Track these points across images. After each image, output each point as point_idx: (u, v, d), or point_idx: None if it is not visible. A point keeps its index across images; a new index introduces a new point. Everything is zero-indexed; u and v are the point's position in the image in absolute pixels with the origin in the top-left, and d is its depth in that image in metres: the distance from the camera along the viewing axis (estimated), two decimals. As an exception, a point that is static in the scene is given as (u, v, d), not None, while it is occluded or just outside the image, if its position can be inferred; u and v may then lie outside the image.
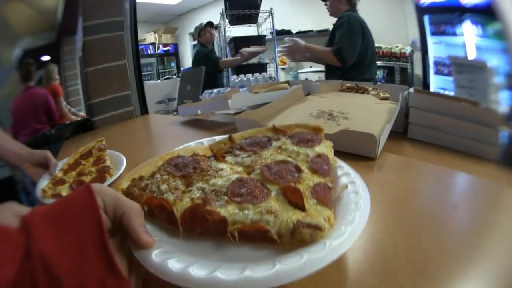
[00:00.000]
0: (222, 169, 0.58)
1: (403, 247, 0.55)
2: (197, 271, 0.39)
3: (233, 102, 1.42)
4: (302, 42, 2.58)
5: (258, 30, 5.58)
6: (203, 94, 2.40)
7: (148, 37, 8.10)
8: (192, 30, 4.02)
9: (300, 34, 5.80)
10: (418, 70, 5.50)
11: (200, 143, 0.74)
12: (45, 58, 4.96)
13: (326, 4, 2.69)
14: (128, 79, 2.37)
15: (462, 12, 4.59)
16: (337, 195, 0.54)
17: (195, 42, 3.98)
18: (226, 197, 0.50)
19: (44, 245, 0.37)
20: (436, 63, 5.14)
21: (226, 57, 4.87)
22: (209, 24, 3.92)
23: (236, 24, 5.15)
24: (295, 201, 0.48)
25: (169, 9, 7.59)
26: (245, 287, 0.36)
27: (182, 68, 7.40)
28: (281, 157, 0.60)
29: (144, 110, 2.50)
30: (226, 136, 0.70)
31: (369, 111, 1.20)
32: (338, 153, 0.69)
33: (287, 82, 2.09)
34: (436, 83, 5.13)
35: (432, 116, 1.01)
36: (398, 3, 5.72)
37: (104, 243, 0.39)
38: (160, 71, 8.44)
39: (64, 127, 2.23)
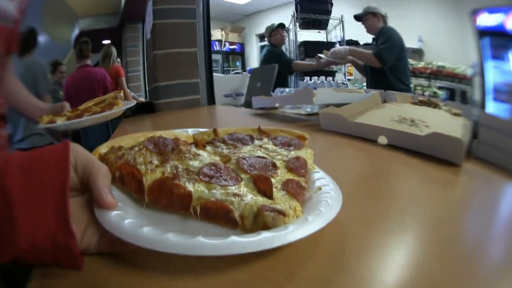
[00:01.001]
0: (199, 155, 0.58)
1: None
2: (149, 231, 0.38)
3: (318, 97, 1.34)
4: (344, 47, 2.90)
5: (327, 37, 5.29)
6: (275, 91, 2.31)
7: (215, 33, 8.05)
8: (258, 31, 3.95)
9: (366, 46, 5.49)
10: (477, 95, 5.12)
11: (185, 131, 0.73)
12: (106, 41, 4.99)
13: (363, 23, 3.04)
14: (198, 67, 2.30)
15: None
16: (309, 195, 0.53)
17: (263, 43, 3.86)
18: (196, 177, 0.50)
19: (11, 183, 0.38)
20: (495, 89, 4.81)
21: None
22: (281, 25, 3.87)
23: (305, 29, 5.01)
24: (263, 189, 0.48)
25: (237, 8, 7.60)
26: (193, 250, 0.35)
27: (248, 68, 7.25)
28: (260, 154, 0.60)
29: (212, 100, 2.43)
30: (210, 129, 0.70)
31: (447, 123, 1.17)
32: (423, 156, 0.78)
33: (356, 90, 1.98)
34: (493, 110, 4.75)
35: (502, 137, 0.92)
36: (459, 23, 5.34)
37: (63, 197, 0.39)
38: (224, 68, 8.39)
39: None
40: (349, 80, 5.57)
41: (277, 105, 1.60)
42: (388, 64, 2.73)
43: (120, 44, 6.39)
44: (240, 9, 7.67)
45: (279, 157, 0.60)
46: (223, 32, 7.70)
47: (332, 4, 4.91)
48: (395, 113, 1.20)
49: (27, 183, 0.39)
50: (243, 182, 0.50)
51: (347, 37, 5.30)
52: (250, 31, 8.21)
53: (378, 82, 2.78)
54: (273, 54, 3.69)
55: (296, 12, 4.67)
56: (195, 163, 0.53)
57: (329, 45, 4.82)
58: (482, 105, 4.78)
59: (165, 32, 2.19)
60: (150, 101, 2.35)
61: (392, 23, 3.01)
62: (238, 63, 8.88)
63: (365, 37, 5.48)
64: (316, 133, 1.09)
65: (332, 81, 3.05)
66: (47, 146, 0.45)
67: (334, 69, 5.03)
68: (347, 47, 2.90)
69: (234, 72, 4.37)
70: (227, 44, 8.12)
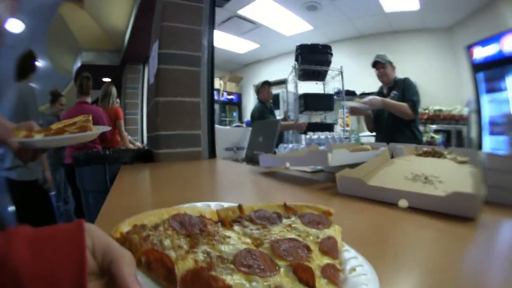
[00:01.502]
0: (229, 237, 0.53)
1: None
2: None
3: (334, 159, 1.26)
4: (379, 98, 2.84)
5: (324, 88, 5.38)
6: (279, 147, 2.26)
7: (213, 82, 8.02)
8: (256, 82, 3.91)
9: (364, 95, 5.53)
10: (473, 132, 5.32)
11: (207, 206, 0.67)
12: (106, 79, 4.90)
13: (379, 71, 3.02)
14: (200, 119, 2.24)
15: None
16: (344, 277, 0.48)
17: None
18: (232, 266, 0.45)
19: (20, 262, 0.32)
20: (491, 123, 4.95)
21: (295, 112, 4.72)
22: (267, 83, 4.04)
23: (305, 80, 5.05)
24: (305, 279, 0.44)
25: (236, 58, 7.69)
26: None
27: (246, 120, 7.21)
28: (291, 235, 0.56)
29: (213, 153, 2.36)
30: (235, 204, 0.65)
31: (458, 175, 1.13)
32: (439, 214, 0.77)
33: (362, 143, 1.99)
34: (489, 144, 4.95)
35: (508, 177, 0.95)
36: (452, 61, 5.58)
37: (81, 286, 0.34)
38: (221, 118, 8.36)
39: (122, 152, 2.12)
40: (346, 131, 5.55)
41: (287, 165, 1.52)
42: (418, 116, 2.83)
43: (120, 83, 6.35)
44: (240, 58, 7.78)
45: (311, 238, 0.56)
46: (221, 81, 7.73)
47: (332, 55, 4.92)
48: (407, 170, 1.18)
49: (38, 267, 0.34)
50: (282, 270, 0.47)
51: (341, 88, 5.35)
52: (248, 81, 8.29)
53: (399, 134, 2.82)
54: (259, 111, 3.87)
55: (297, 62, 4.64)
56: (227, 248, 0.49)
57: (328, 97, 4.84)
58: (479, 141, 4.99)
59: (169, 79, 2.14)
60: (150, 149, 2.25)
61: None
62: (235, 114, 8.94)
63: (361, 88, 5.66)
64: (333, 197, 1.02)
65: (335, 136, 2.99)
66: (59, 225, 0.39)
67: (331, 121, 5.03)
68: (379, 97, 2.84)
69: (234, 125, 4.31)
70: (225, 93, 8.13)
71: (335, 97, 5.07)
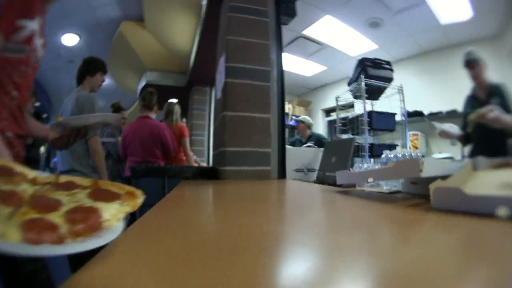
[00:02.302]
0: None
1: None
2: None
3: (426, 168, 1.08)
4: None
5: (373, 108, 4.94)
6: (354, 167, 1.94)
7: (282, 106, 7.88)
8: (324, 106, 3.72)
9: (433, 116, 5.22)
10: None
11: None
12: (173, 100, 4.83)
13: (472, 71, 2.58)
14: (271, 136, 2.05)
15: None
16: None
17: (329, 118, 3.67)
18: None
19: None
20: None
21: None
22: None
23: (356, 98, 4.67)
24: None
25: (304, 81, 7.47)
26: None
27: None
28: (60, 197, 0.55)
29: (282, 174, 2.17)
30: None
31: None
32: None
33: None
34: None
35: None
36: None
37: None
38: (290, 142, 8.07)
39: (184, 167, 1.87)
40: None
41: (370, 180, 1.28)
42: None
43: (186, 105, 6.33)
44: (307, 82, 7.55)
45: (74, 203, 0.53)
46: (290, 105, 7.54)
47: (392, 71, 4.58)
48: (495, 181, 1.00)
49: None
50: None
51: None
52: (316, 105, 8.04)
53: (497, 148, 2.42)
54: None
55: (361, 77, 4.30)
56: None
57: (391, 116, 4.47)
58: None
59: (237, 93, 2.00)
60: (214, 167, 2.08)
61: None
62: (303, 139, 8.70)
63: (425, 107, 5.34)
64: (426, 213, 0.80)
65: (413, 154, 2.66)
66: None
67: (396, 142, 4.63)
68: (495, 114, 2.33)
69: (306, 145, 4.10)
70: (293, 118, 7.93)
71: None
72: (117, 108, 3.83)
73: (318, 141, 4.22)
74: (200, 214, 0.84)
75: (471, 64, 2.56)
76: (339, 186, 1.64)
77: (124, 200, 0.61)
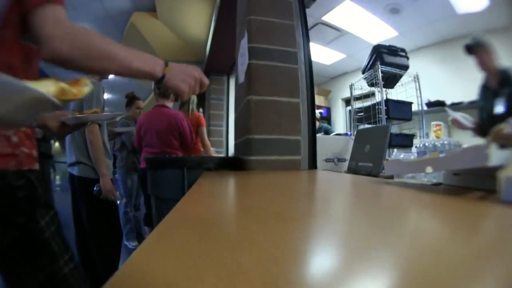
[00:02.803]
0: None
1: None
2: None
3: (494, 156, 0.89)
4: None
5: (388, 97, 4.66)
6: (393, 155, 1.87)
7: (300, 96, 7.69)
8: (344, 95, 3.46)
9: (455, 106, 4.90)
10: None
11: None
12: None
13: (477, 58, 2.34)
14: (301, 122, 1.83)
15: None
16: None
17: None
18: None
19: None
20: None
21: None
22: None
23: (371, 86, 4.41)
24: None
25: (323, 70, 7.21)
26: None
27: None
28: None
29: (313, 164, 1.94)
30: None
31: None
32: None
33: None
34: None
35: None
36: None
37: None
38: (311, 133, 7.86)
39: (205, 157, 1.67)
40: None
41: (429, 170, 1.08)
42: None
43: (203, 95, 6.13)
44: (327, 70, 7.29)
45: None
46: None
47: (408, 58, 4.32)
48: None
49: None
50: None
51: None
52: (336, 94, 7.80)
53: None
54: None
55: (380, 62, 4.04)
56: None
57: (407, 105, 4.21)
58: None
59: (263, 75, 1.78)
60: (237, 156, 1.88)
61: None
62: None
63: (446, 97, 5.06)
64: (494, 209, 0.63)
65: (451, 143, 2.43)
66: None
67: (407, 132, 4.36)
68: None
69: (334, 133, 3.85)
70: None
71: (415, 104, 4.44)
72: (131, 98, 3.63)
73: (326, 133, 4.14)
74: (222, 207, 0.68)
75: (474, 49, 2.34)
76: (375, 176, 1.57)
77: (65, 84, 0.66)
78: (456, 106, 4.92)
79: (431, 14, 4.86)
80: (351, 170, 2.04)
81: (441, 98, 5.17)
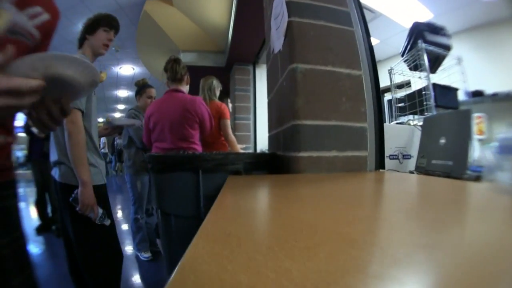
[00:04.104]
0: None
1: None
2: None
3: None
4: None
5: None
6: (503, 139, 1.14)
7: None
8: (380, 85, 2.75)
9: (494, 97, 4.39)
10: None
11: None
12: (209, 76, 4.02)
13: None
14: (365, 103, 1.24)
15: None
16: None
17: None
18: None
19: None
20: None
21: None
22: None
23: (413, 70, 3.64)
24: None
25: None
26: None
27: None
28: None
29: (381, 163, 1.35)
30: None
31: None
32: None
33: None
34: None
35: None
36: None
37: None
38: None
39: (230, 155, 1.16)
40: (479, 140, 4.19)
41: None
42: None
43: (227, 86, 5.53)
44: None
45: None
46: None
47: (450, 37, 3.67)
48: None
49: None
50: None
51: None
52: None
53: None
54: None
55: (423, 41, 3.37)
56: None
57: (454, 91, 3.57)
58: None
59: (310, 38, 1.21)
60: (274, 152, 1.32)
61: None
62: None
63: (487, 86, 4.49)
64: None
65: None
66: None
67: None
68: None
69: (396, 121, 3.23)
70: None
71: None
72: (142, 86, 3.06)
73: None
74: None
75: None
76: (457, 178, 1.19)
77: None
78: (495, 97, 4.40)
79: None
80: (422, 169, 1.54)
81: (478, 88, 4.58)
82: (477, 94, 4.56)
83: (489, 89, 4.50)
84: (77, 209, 1.50)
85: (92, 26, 1.74)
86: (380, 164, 1.29)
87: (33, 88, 0.59)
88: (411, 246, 0.32)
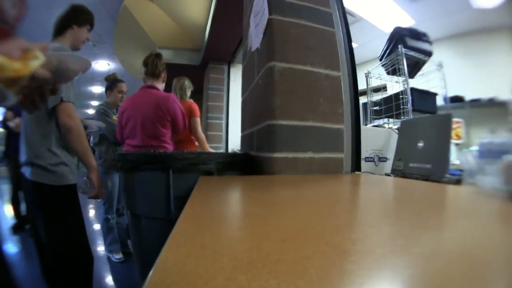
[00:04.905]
0: None
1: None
2: None
3: None
4: None
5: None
6: (481, 143, 1.14)
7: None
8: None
9: (475, 102, 4.64)
10: None
11: None
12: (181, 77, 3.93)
13: None
14: (343, 105, 1.21)
15: None
16: None
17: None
18: None
19: None
20: None
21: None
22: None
23: (391, 74, 3.65)
24: None
25: None
26: None
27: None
28: None
29: (356, 165, 1.32)
30: None
31: None
32: None
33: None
34: None
35: None
36: None
37: None
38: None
39: (201, 155, 1.10)
40: (457, 144, 4.26)
41: None
42: None
43: (201, 85, 5.45)
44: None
45: None
46: None
47: (431, 43, 3.70)
48: None
49: None
50: None
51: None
52: None
53: None
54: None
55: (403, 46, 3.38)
56: None
57: (432, 96, 3.61)
58: None
59: (291, 36, 1.18)
60: (249, 153, 1.27)
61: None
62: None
63: (466, 92, 4.70)
64: None
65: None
66: None
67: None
68: None
69: (371, 124, 3.19)
70: None
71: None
72: (113, 80, 2.95)
73: None
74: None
75: None
76: (436, 181, 1.17)
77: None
78: (475, 103, 4.60)
79: (449, 3, 4.40)
80: (398, 172, 1.51)
81: (458, 94, 4.69)
82: (457, 99, 4.69)
83: (468, 95, 4.69)
84: (89, 196, 1.58)
85: (82, 19, 1.69)
86: (356, 166, 1.27)
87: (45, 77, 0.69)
88: (408, 255, 0.29)
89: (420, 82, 3.75)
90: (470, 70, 4.87)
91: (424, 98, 3.46)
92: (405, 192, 0.78)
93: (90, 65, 0.88)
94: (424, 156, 1.42)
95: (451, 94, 4.49)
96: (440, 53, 4.61)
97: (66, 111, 1.41)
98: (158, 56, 2.28)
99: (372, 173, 1.50)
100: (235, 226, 0.43)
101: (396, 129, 1.79)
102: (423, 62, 3.63)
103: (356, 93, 1.33)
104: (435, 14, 4.69)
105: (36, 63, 0.64)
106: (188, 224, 0.41)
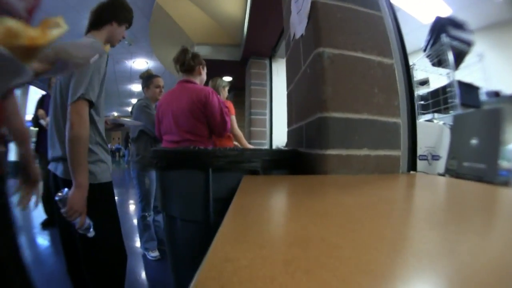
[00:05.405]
0: None
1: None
2: None
3: None
4: None
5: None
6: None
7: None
8: None
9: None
10: None
11: None
12: (227, 78, 3.87)
13: None
14: (398, 96, 1.06)
15: None
16: None
17: None
18: None
19: None
20: None
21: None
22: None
23: (436, 66, 3.41)
24: None
25: None
26: None
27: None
28: None
29: (413, 164, 1.16)
30: None
31: None
32: None
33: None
34: None
35: None
36: None
37: None
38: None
39: (248, 152, 0.98)
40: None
41: None
42: None
43: (243, 81, 5.37)
44: None
45: None
46: None
47: (473, 33, 3.46)
48: None
49: None
50: None
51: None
52: None
53: None
54: None
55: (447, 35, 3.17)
56: None
57: (475, 90, 3.37)
58: None
59: (337, 20, 1.05)
60: (296, 149, 1.16)
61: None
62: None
63: (506, 86, 4.24)
64: None
65: None
66: None
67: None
68: None
69: (424, 118, 3.02)
70: None
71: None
72: (147, 77, 2.90)
73: None
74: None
75: None
76: (489, 182, 1.04)
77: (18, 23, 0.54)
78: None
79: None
80: (452, 172, 1.36)
81: (495, 88, 4.39)
82: (494, 94, 4.37)
83: (506, 90, 4.32)
84: (62, 211, 1.27)
85: (122, 17, 1.58)
86: (412, 165, 1.13)
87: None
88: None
89: (462, 74, 3.52)
90: (508, 63, 4.53)
91: (469, 92, 3.24)
92: (476, 199, 0.64)
93: (103, 51, 0.82)
94: (478, 154, 1.27)
95: (488, 88, 4.25)
96: (477, 45, 4.39)
97: (76, 108, 1.26)
98: (184, 51, 2.20)
99: (427, 173, 1.36)
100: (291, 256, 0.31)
101: (448, 124, 1.63)
102: (466, 53, 3.40)
103: (410, 84, 1.18)
104: (471, 3, 4.37)
105: (56, 33, 0.56)
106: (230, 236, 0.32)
